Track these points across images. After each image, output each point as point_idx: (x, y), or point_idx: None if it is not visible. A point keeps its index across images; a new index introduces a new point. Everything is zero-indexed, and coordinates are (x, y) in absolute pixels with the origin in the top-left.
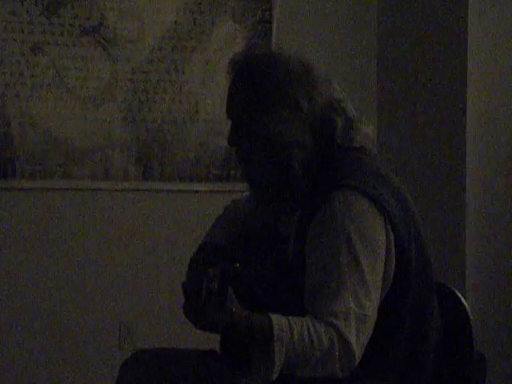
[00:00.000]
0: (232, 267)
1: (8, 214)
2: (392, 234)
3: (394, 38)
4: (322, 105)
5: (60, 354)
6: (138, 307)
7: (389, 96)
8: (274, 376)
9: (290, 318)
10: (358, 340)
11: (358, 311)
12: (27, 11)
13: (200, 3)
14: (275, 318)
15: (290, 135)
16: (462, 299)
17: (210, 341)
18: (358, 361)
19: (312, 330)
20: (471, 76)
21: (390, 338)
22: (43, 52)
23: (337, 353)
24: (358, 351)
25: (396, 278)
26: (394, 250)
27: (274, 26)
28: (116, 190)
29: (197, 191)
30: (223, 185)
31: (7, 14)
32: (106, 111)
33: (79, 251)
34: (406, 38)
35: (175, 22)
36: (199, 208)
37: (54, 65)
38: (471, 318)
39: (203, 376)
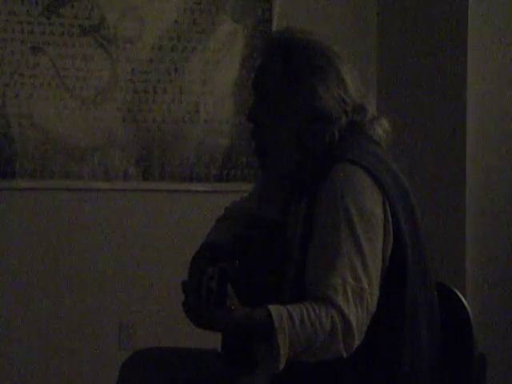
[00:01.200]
0: (231, 265)
1: (8, 214)
2: (390, 214)
3: (394, 39)
4: (357, 89)
5: (60, 354)
6: (138, 307)
7: (388, 96)
8: (281, 366)
9: (289, 305)
10: (356, 313)
11: (355, 285)
12: (27, 11)
13: (200, 3)
14: (274, 309)
15: (332, 107)
16: (463, 299)
17: (211, 340)
18: (359, 337)
19: (312, 314)
20: (471, 74)
21: (389, 329)
22: (43, 52)
23: (339, 332)
24: (357, 327)
25: (392, 262)
26: (391, 230)
27: (274, 25)
28: (116, 190)
29: (197, 191)
30: (223, 185)
31: (7, 13)
32: (106, 111)
33: (79, 251)
34: (406, 38)
35: (175, 22)
36: (199, 208)
37: (54, 65)
38: (471, 317)
39: (204, 375)
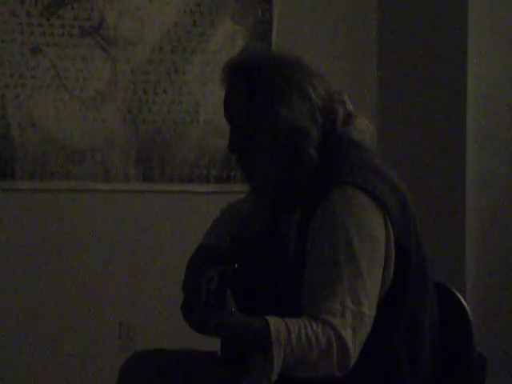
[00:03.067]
0: (230, 268)
1: (8, 215)
2: (391, 230)
3: (394, 39)
4: (323, 94)
5: (60, 355)
6: (138, 308)
7: (389, 95)
8: (274, 378)
9: (287, 319)
10: (354, 338)
11: (354, 309)
12: (27, 12)
13: (200, 4)
14: (272, 320)
15: (301, 121)
16: (462, 299)
17: (211, 342)
18: (354, 359)
19: (309, 330)
20: (471, 71)
21: (386, 338)
22: (43, 53)
23: (335, 352)
24: (353, 349)
25: (395, 276)
26: (393, 246)
27: (274, 26)
28: (116, 191)
29: (196, 192)
30: (223, 186)
31: (7, 14)
32: (106, 112)
33: (79, 252)
34: (406, 38)
35: (175, 23)
36: (199, 209)
37: (54, 66)
38: (471, 318)
39: (204, 377)
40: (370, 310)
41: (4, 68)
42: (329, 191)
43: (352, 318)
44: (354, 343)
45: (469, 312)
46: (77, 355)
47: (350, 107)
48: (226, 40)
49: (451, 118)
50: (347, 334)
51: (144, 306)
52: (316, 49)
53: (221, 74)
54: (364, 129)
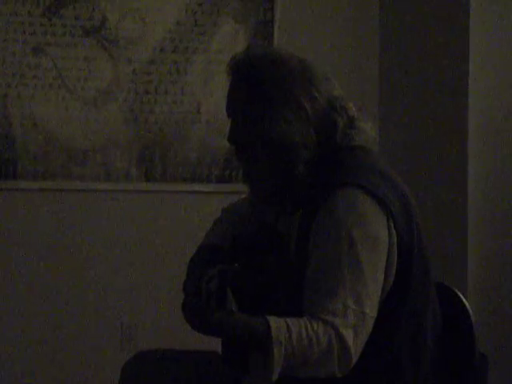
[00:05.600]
0: (231, 268)
1: (9, 215)
2: (394, 233)
3: (396, 38)
4: (323, 104)
5: (62, 355)
6: (139, 308)
7: (391, 95)
8: (274, 378)
9: (288, 319)
10: (355, 338)
11: (356, 309)
12: (28, 12)
13: (202, 4)
14: (273, 320)
15: (295, 136)
16: (464, 300)
17: (212, 342)
18: (355, 359)
19: (310, 330)
20: (473, 71)
21: (387, 339)
22: (45, 53)
23: (335, 352)
24: (354, 349)
25: (397, 278)
26: (395, 247)
27: (276, 26)
28: (117, 191)
29: (198, 192)
30: (224, 186)
31: (8, 14)
32: (108, 112)
33: (81, 252)
34: (408, 38)
35: (177, 23)
36: (200, 209)
37: (56, 66)
38: (473, 318)
39: (205, 377)
40: (371, 310)
41: (6, 67)
42: (332, 193)
43: (353, 318)
44: (355, 343)
45: (470, 312)
46: (79, 355)
47: (353, 112)
48: (228, 39)
49: (453, 116)
50: (348, 334)
51: (145, 306)
52: (317, 48)
53: (226, 68)
54: (367, 132)
